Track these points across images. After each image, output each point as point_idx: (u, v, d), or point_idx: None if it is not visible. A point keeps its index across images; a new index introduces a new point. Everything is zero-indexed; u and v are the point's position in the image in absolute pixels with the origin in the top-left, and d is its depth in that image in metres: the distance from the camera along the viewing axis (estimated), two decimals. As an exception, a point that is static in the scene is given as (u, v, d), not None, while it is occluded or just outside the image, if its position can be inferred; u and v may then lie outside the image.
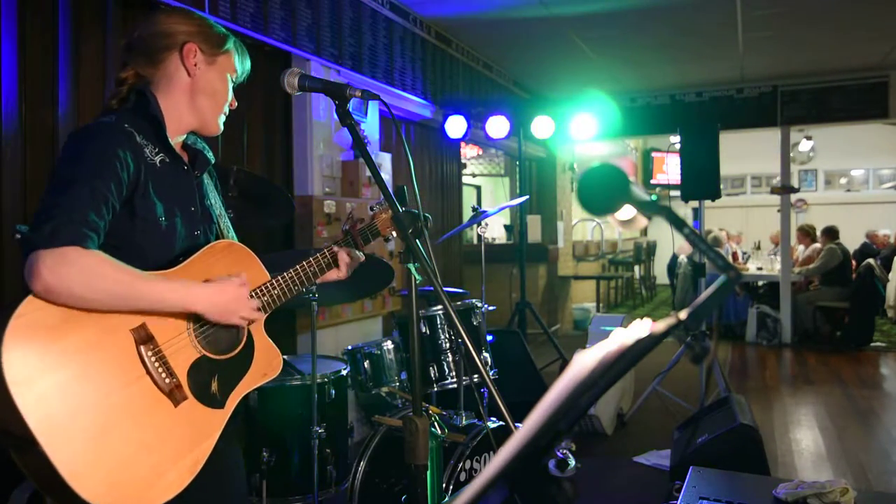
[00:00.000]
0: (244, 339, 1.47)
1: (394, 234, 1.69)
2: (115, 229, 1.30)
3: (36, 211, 1.22)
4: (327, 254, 1.61)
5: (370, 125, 4.64)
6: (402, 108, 5.19)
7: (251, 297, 1.45)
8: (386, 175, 4.73)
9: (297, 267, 1.55)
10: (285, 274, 1.53)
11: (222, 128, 1.52)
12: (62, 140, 2.74)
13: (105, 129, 1.33)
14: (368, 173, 4.33)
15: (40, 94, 2.69)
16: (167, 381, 1.30)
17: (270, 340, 1.54)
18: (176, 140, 1.48)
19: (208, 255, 1.43)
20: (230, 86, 1.52)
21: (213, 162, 1.57)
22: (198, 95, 1.46)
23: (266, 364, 1.51)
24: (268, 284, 1.50)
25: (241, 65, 1.53)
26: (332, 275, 1.65)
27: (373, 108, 4.63)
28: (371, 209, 1.72)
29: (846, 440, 4.27)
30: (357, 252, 1.66)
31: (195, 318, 1.38)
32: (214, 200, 1.57)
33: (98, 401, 1.21)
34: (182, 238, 1.43)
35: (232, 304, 1.37)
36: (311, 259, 1.58)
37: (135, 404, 1.25)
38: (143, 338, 1.28)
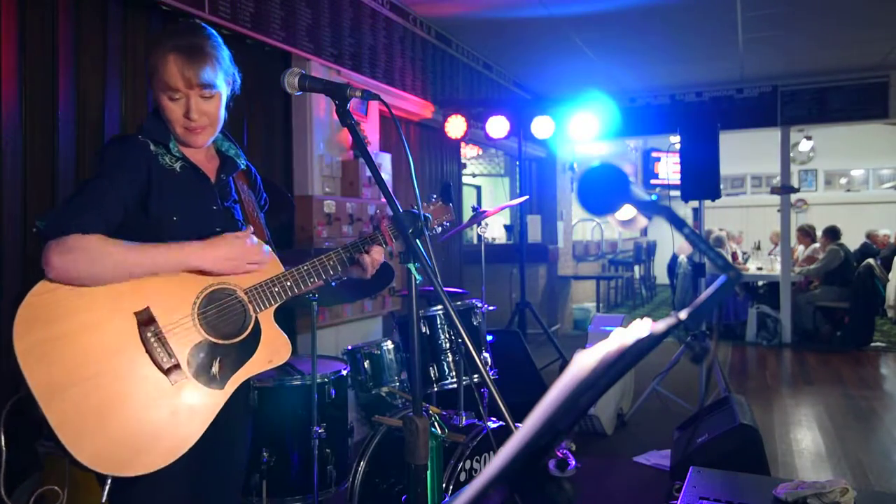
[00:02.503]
0: (251, 325, 1.54)
1: (438, 229, 1.88)
2: (131, 227, 1.45)
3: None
4: (350, 250, 1.67)
5: (370, 125, 4.64)
6: (402, 108, 5.19)
7: (258, 293, 1.54)
8: (386, 175, 4.73)
9: (315, 260, 1.62)
10: (300, 266, 1.60)
11: (198, 141, 1.55)
12: (62, 141, 2.75)
13: (124, 140, 1.51)
14: (368, 173, 4.33)
15: (40, 94, 2.69)
16: (165, 360, 1.41)
17: (279, 329, 1.59)
18: (195, 149, 1.58)
19: None
20: (175, 99, 1.49)
21: (241, 168, 1.68)
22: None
23: (272, 351, 1.58)
24: (281, 275, 1.57)
25: (174, 72, 1.47)
26: (356, 272, 1.72)
27: (373, 108, 4.63)
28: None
29: (846, 440, 4.27)
30: (381, 249, 1.72)
31: (201, 304, 1.47)
32: (247, 200, 1.69)
33: (97, 375, 1.34)
34: (198, 233, 1.52)
35: (233, 252, 1.48)
36: (330, 253, 1.64)
37: (132, 380, 1.37)
38: (145, 320, 1.41)
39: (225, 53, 1.55)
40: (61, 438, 1.28)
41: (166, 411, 1.39)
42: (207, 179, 1.60)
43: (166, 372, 1.40)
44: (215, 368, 1.47)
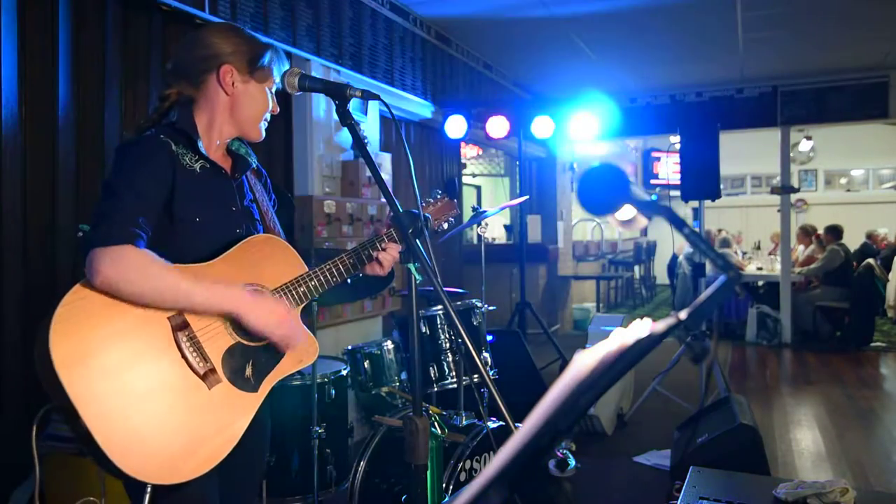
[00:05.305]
0: None
1: (444, 225, 1.92)
2: (157, 231, 1.44)
3: (92, 214, 1.40)
4: (368, 247, 1.69)
5: (370, 125, 4.64)
6: (402, 108, 5.19)
7: (285, 294, 1.56)
8: (386, 175, 4.73)
9: (337, 259, 1.64)
10: (323, 266, 1.62)
11: (264, 134, 1.65)
12: (62, 141, 2.75)
13: (144, 142, 1.49)
14: (368, 173, 4.33)
15: (40, 94, 2.69)
16: (201, 365, 1.41)
17: (306, 329, 1.60)
18: (218, 146, 1.61)
19: (246, 247, 1.54)
20: (269, 96, 1.61)
21: (253, 166, 1.70)
22: (237, 110, 1.58)
23: (302, 351, 1.59)
24: (306, 275, 1.59)
25: (278, 72, 1.62)
26: (373, 270, 1.74)
27: (373, 108, 4.63)
28: (424, 202, 1.89)
29: (846, 440, 4.27)
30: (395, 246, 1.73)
31: None
32: (261, 199, 1.71)
33: (136, 382, 1.34)
34: (222, 235, 1.54)
35: (275, 319, 1.46)
36: (350, 252, 1.67)
37: (170, 386, 1.37)
38: (180, 325, 1.41)
39: None
40: (103, 448, 1.27)
41: (207, 416, 1.40)
42: (229, 178, 1.61)
43: (203, 377, 1.40)
44: (249, 371, 1.48)
